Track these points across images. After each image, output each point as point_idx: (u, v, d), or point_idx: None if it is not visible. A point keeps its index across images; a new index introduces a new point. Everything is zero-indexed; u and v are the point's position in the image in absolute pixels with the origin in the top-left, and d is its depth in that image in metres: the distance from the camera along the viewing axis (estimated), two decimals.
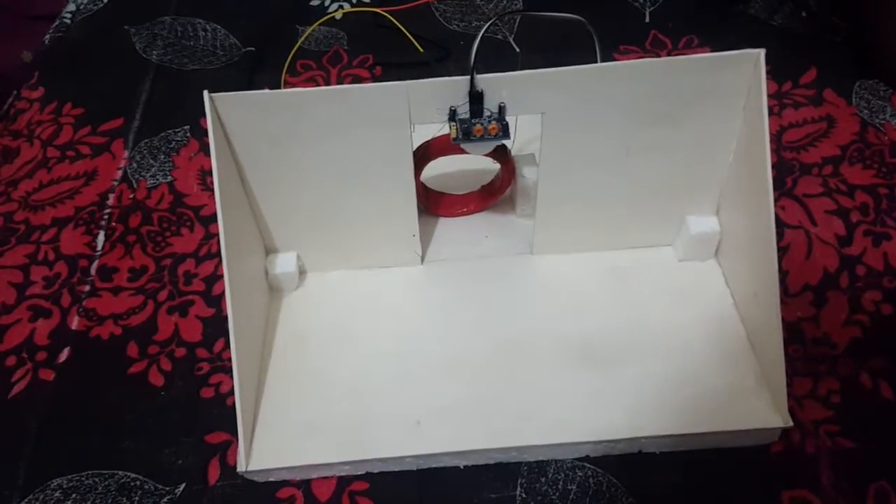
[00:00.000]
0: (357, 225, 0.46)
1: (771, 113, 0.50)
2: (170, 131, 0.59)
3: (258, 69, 0.64)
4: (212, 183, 0.55)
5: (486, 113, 0.41)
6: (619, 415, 0.41)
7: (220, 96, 0.39)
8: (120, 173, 0.56)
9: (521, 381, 0.43)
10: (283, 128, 0.41)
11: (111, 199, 0.54)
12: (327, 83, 0.62)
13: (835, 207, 0.51)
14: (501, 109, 0.41)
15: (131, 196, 0.54)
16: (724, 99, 0.41)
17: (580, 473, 0.40)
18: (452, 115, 0.41)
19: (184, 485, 0.40)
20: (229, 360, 0.45)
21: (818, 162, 0.53)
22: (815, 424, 0.41)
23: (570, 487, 0.40)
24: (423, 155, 0.46)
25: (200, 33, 0.67)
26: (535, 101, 0.41)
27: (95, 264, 0.50)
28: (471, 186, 0.51)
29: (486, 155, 0.44)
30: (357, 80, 0.62)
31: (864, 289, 0.46)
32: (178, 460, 0.41)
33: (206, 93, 0.39)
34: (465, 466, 0.41)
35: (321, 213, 0.45)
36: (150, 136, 0.58)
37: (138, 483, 0.41)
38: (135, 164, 0.56)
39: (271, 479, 0.40)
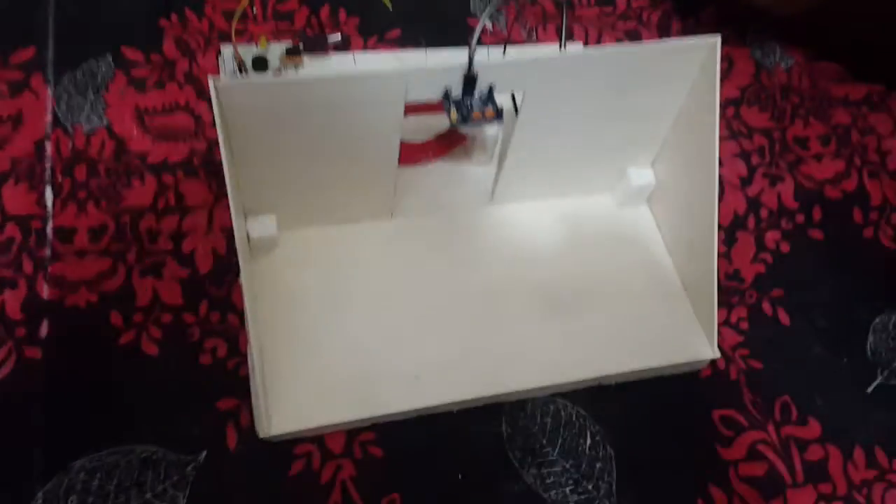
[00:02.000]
0: (336, 187, 0.48)
1: None
2: (91, 61, 0.55)
3: None
4: (150, 123, 0.53)
5: (477, 93, 0.43)
6: (580, 355, 0.48)
7: (224, 86, 0.38)
8: (50, 117, 0.52)
9: (497, 329, 0.48)
10: (279, 108, 0.41)
11: (49, 149, 0.50)
12: (264, 15, 0.59)
13: (738, 150, 0.58)
14: (491, 89, 0.43)
15: (70, 145, 0.51)
16: (678, 75, 0.46)
17: (552, 407, 0.48)
18: (447, 95, 0.43)
19: (205, 452, 0.43)
20: (218, 322, 0.47)
21: (721, 103, 0.60)
22: (732, 349, 0.51)
23: (546, 420, 0.47)
24: None
25: None
26: (518, 82, 0.44)
27: (50, 225, 0.48)
28: (424, 132, 0.53)
29: None
30: (290, 14, 0.60)
31: (766, 229, 0.55)
32: (193, 429, 0.44)
33: (210, 79, 0.38)
34: (456, 410, 0.46)
35: (303, 178, 0.46)
36: (70, 67, 0.54)
37: (160, 455, 0.43)
38: (63, 106, 0.52)
39: (287, 438, 0.44)
